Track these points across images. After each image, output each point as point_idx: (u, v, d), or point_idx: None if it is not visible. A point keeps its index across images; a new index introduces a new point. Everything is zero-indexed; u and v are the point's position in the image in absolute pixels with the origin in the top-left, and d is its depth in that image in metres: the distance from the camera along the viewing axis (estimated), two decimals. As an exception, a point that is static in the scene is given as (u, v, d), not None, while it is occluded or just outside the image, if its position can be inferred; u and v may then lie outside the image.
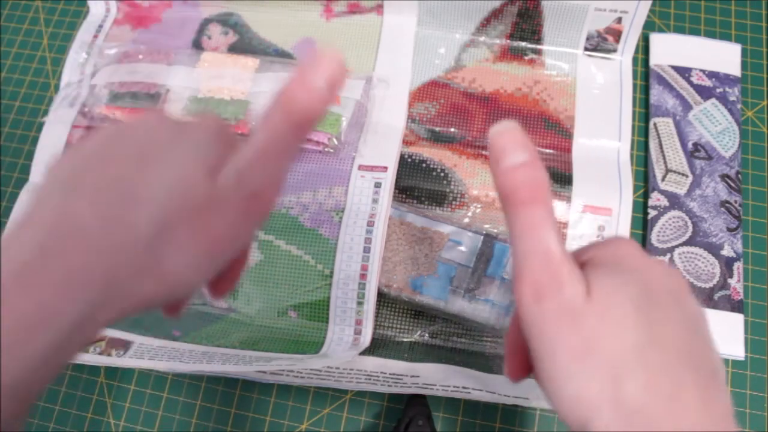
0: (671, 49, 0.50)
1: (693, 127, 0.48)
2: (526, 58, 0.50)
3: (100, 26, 0.53)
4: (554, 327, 0.20)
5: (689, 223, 0.45)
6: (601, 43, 0.49)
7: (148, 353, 0.40)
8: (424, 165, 0.46)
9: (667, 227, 0.45)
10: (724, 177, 0.46)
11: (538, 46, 0.50)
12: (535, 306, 0.20)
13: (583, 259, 0.22)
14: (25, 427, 0.21)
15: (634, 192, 0.46)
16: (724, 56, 0.50)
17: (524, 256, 0.20)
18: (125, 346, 0.41)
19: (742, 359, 0.43)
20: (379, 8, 0.51)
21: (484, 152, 0.47)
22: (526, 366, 0.23)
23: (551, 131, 0.48)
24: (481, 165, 0.46)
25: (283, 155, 0.21)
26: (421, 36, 0.51)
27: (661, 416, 0.18)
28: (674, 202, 0.46)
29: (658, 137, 0.48)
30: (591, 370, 0.19)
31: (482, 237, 0.42)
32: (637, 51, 0.50)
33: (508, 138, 0.21)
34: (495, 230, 0.44)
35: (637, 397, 0.18)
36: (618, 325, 0.19)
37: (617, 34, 0.48)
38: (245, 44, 0.51)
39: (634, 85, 0.50)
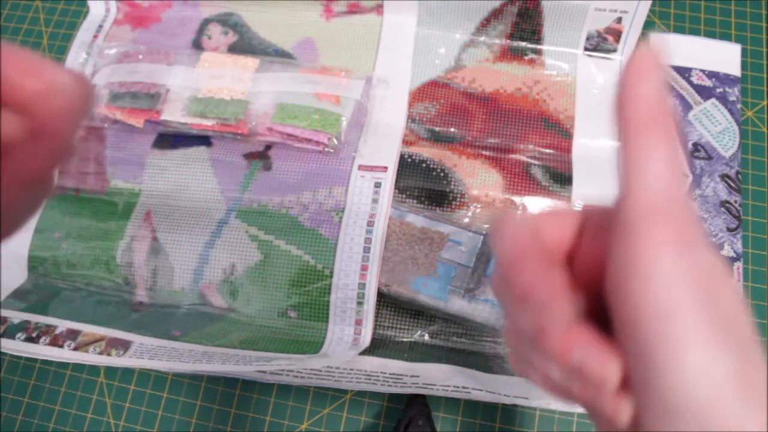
0: (671, 49, 0.50)
1: (693, 127, 0.48)
2: (526, 58, 0.50)
3: (100, 26, 0.53)
4: (694, 295, 0.16)
5: (689, 223, 0.45)
6: (601, 43, 0.49)
7: (148, 353, 0.40)
8: (424, 165, 0.46)
9: (667, 227, 0.45)
10: (724, 177, 0.46)
11: (538, 46, 0.50)
12: (669, 259, 0.15)
13: None
14: None
15: (634, 192, 0.46)
16: (724, 56, 0.50)
17: (649, 194, 0.16)
18: (125, 346, 0.41)
19: (742, 359, 0.42)
20: (379, 8, 0.51)
21: (484, 152, 0.47)
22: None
23: (551, 131, 0.48)
24: (481, 165, 0.46)
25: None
26: (421, 36, 0.51)
27: None
28: (674, 202, 0.46)
29: (658, 137, 0.48)
30: (734, 350, 0.16)
31: (482, 237, 0.42)
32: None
33: (649, 53, 0.17)
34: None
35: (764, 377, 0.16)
36: (741, 301, 0.17)
37: (617, 34, 0.48)
38: (245, 44, 0.51)
39: (634, 85, 0.50)
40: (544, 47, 0.50)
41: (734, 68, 0.50)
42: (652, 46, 0.16)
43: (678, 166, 0.16)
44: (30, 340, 0.41)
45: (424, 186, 0.46)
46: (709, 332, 0.15)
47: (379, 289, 0.42)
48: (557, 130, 0.48)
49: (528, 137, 0.48)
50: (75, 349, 0.41)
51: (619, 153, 0.17)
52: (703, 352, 0.15)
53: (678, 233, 0.16)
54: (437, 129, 0.48)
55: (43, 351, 0.40)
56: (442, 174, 0.46)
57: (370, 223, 0.43)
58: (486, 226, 0.44)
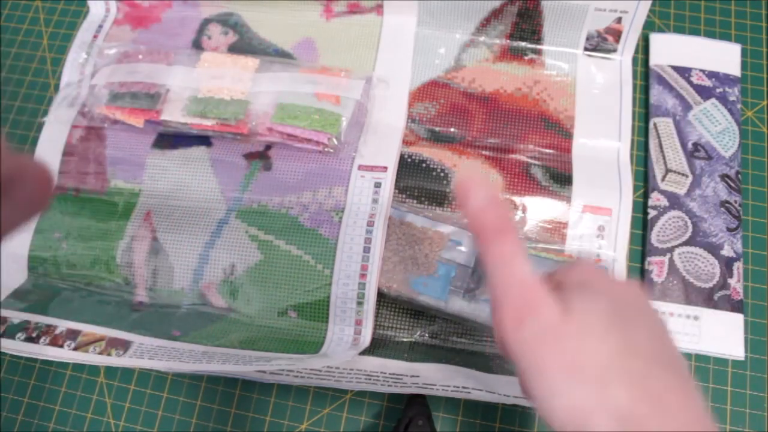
0: (671, 49, 0.50)
1: (693, 127, 0.48)
2: (526, 58, 0.50)
3: (100, 26, 0.53)
4: (538, 347, 0.21)
5: (689, 223, 0.45)
6: (601, 43, 0.49)
7: (148, 353, 0.40)
8: (424, 165, 0.46)
9: (667, 227, 0.45)
10: (724, 177, 0.46)
11: (538, 46, 0.50)
12: (517, 331, 0.22)
13: (553, 283, 0.24)
14: None
15: (634, 192, 0.46)
16: (724, 56, 0.50)
17: (500, 286, 0.22)
18: (125, 346, 0.41)
19: (742, 359, 0.43)
20: (379, 8, 0.51)
21: (484, 152, 0.47)
22: None
23: (551, 131, 0.48)
24: (481, 165, 0.46)
25: None
26: (421, 36, 0.51)
27: (650, 417, 0.20)
28: (674, 202, 0.46)
29: (658, 137, 0.48)
30: (579, 382, 0.21)
31: (482, 237, 0.42)
32: (637, 51, 0.50)
33: (469, 184, 0.23)
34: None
35: (625, 402, 0.20)
36: (596, 338, 0.21)
37: (617, 34, 0.48)
38: (245, 44, 0.51)
39: (634, 85, 0.50)
40: (544, 47, 0.50)
41: (734, 68, 0.50)
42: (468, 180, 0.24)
43: (516, 262, 0.22)
44: (30, 340, 0.41)
45: (424, 186, 0.46)
46: (556, 378, 0.21)
47: (379, 289, 0.42)
48: (557, 130, 0.48)
49: (528, 137, 0.48)
50: (75, 349, 0.41)
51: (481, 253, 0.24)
52: (553, 394, 0.21)
53: (521, 310, 0.22)
54: (437, 129, 0.48)
55: (43, 351, 0.40)
56: (442, 174, 0.46)
57: (370, 223, 0.43)
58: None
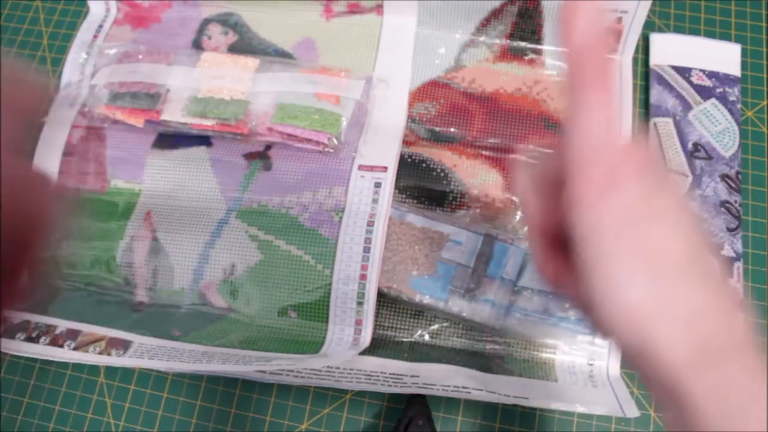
0: (671, 49, 0.50)
1: (693, 127, 0.48)
2: (526, 58, 0.50)
3: (100, 26, 0.53)
4: (619, 227, 0.19)
5: (689, 223, 0.45)
6: (601, 43, 0.49)
7: (148, 353, 0.40)
8: (424, 165, 0.46)
9: (667, 227, 0.45)
10: (724, 177, 0.46)
11: (538, 46, 0.50)
12: (599, 202, 0.19)
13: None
14: None
15: (634, 192, 0.46)
16: (724, 56, 0.50)
17: (592, 144, 0.19)
18: (125, 345, 0.41)
19: (742, 359, 0.42)
20: (379, 8, 0.51)
21: (484, 152, 0.47)
22: (560, 273, 0.23)
23: (551, 131, 0.48)
24: (481, 165, 0.46)
25: None
26: (421, 36, 0.51)
27: (719, 328, 0.18)
28: (674, 202, 0.46)
29: (658, 137, 0.48)
30: (656, 276, 0.19)
31: (482, 237, 0.42)
32: (637, 51, 0.50)
33: (582, 10, 0.19)
34: (495, 230, 0.44)
35: (696, 304, 0.18)
36: (677, 233, 0.19)
37: (617, 34, 0.48)
38: (245, 44, 0.51)
39: (634, 85, 0.50)
40: (544, 47, 0.50)
41: (734, 68, 0.50)
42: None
43: (609, 117, 0.19)
44: (30, 340, 0.41)
45: (424, 186, 0.46)
46: (633, 266, 0.19)
47: (379, 289, 0.42)
48: (557, 130, 0.48)
49: (528, 137, 0.48)
50: (75, 349, 0.41)
51: (566, 97, 0.20)
52: (625, 284, 0.19)
53: (606, 177, 0.19)
54: (437, 129, 0.48)
55: (43, 351, 0.41)
56: (442, 174, 0.46)
57: (370, 223, 0.43)
58: (486, 226, 0.44)
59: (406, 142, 0.47)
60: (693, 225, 0.20)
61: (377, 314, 0.43)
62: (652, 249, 0.19)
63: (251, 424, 0.43)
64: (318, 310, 0.42)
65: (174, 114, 0.47)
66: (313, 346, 0.41)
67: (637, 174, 0.19)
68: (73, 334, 0.42)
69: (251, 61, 0.48)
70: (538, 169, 0.24)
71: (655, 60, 0.50)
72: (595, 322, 0.20)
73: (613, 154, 0.19)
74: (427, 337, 0.43)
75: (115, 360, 0.40)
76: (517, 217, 0.45)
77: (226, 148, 0.47)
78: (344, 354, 0.40)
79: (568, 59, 0.20)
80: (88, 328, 0.42)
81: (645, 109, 0.50)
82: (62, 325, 0.42)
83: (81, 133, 0.49)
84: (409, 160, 0.46)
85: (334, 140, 0.45)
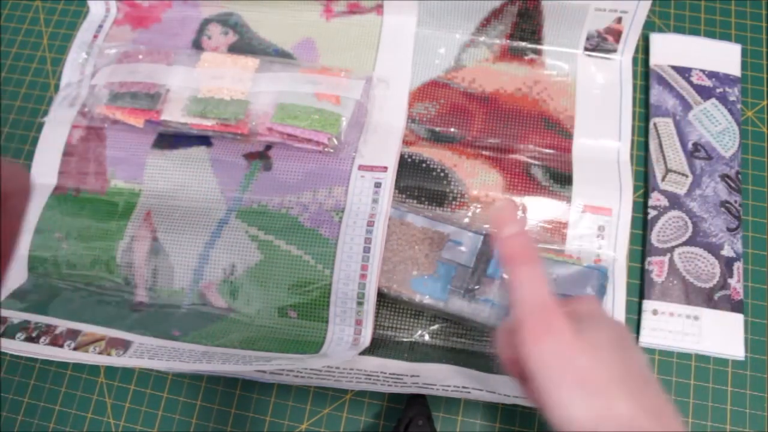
0: (671, 49, 0.50)
1: (693, 127, 0.48)
2: (526, 58, 0.50)
3: (100, 26, 0.53)
4: (555, 362, 0.25)
5: (689, 223, 0.45)
6: (601, 43, 0.49)
7: (148, 353, 0.40)
8: (424, 165, 0.46)
9: (667, 227, 0.45)
10: (724, 177, 0.46)
11: (538, 46, 0.50)
12: (537, 346, 0.25)
13: (564, 309, 0.27)
14: None
15: (634, 192, 0.46)
16: (724, 56, 0.50)
17: (526, 306, 0.26)
18: (125, 345, 0.41)
19: (742, 359, 0.43)
20: (379, 8, 0.51)
21: (484, 152, 0.47)
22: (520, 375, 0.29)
23: (551, 131, 0.48)
24: (481, 165, 0.46)
25: None
26: (421, 36, 0.51)
27: (648, 424, 0.24)
28: (674, 202, 0.46)
29: (658, 137, 0.48)
30: (590, 395, 0.24)
31: (482, 237, 0.42)
32: (637, 51, 0.50)
33: (506, 214, 0.28)
34: (495, 230, 0.44)
35: (628, 412, 0.24)
36: (603, 358, 0.25)
37: (617, 34, 0.48)
38: (245, 44, 0.51)
39: (634, 85, 0.50)
40: (544, 47, 0.50)
41: (734, 68, 0.50)
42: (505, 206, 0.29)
43: (540, 283, 0.26)
44: (30, 340, 0.41)
45: (424, 186, 0.46)
46: (570, 391, 0.24)
47: (379, 289, 0.42)
48: (557, 130, 0.48)
49: (528, 137, 0.48)
50: (75, 349, 0.41)
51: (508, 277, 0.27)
52: (566, 404, 0.24)
53: (542, 328, 0.25)
54: (437, 129, 0.48)
55: (43, 351, 0.40)
56: (442, 174, 0.46)
57: (370, 223, 0.43)
58: (486, 226, 0.44)
59: (406, 142, 0.47)
60: (626, 351, 0.26)
61: (377, 314, 0.43)
62: (585, 375, 0.24)
63: (251, 424, 0.43)
64: (318, 310, 0.42)
65: (174, 114, 0.47)
66: (313, 346, 0.41)
67: (566, 321, 0.25)
68: (73, 334, 0.42)
69: (251, 61, 0.48)
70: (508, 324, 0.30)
71: (655, 60, 0.50)
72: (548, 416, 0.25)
73: (545, 310, 0.26)
74: (427, 337, 0.43)
75: (115, 360, 0.40)
76: (518, 217, 0.45)
77: (226, 148, 0.47)
78: (344, 354, 0.40)
79: (500, 247, 0.27)
80: (88, 328, 0.42)
81: (645, 109, 0.50)
82: (62, 325, 0.42)
83: (81, 133, 0.49)
84: (409, 160, 0.46)
85: (334, 140, 0.45)
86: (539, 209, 0.45)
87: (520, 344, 0.26)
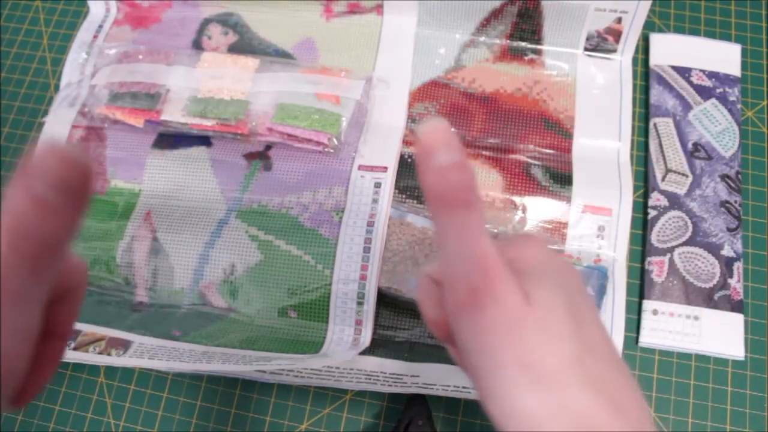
0: (671, 49, 0.50)
1: (693, 127, 0.48)
2: (526, 58, 0.50)
3: (100, 26, 0.53)
4: (497, 339, 0.19)
5: (689, 223, 0.45)
6: (601, 43, 0.49)
7: (148, 353, 0.40)
8: (424, 165, 0.46)
9: (667, 227, 0.45)
10: (724, 177, 0.46)
11: (538, 46, 0.50)
12: (474, 317, 0.19)
13: (506, 260, 0.21)
14: None
15: (634, 192, 0.46)
16: (724, 56, 0.50)
17: (460, 263, 0.19)
18: (125, 345, 0.41)
19: (742, 359, 0.43)
20: (379, 8, 0.51)
21: (484, 152, 0.47)
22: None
23: (551, 131, 0.48)
24: (481, 165, 0.46)
25: None
26: (421, 36, 0.51)
27: (609, 422, 0.18)
28: (674, 202, 0.46)
29: (658, 137, 0.48)
30: (537, 384, 0.19)
31: (482, 237, 0.42)
32: (637, 51, 0.50)
33: (439, 136, 0.19)
34: (495, 230, 0.44)
35: (585, 407, 0.18)
36: (557, 336, 0.19)
37: (617, 34, 0.48)
38: (245, 44, 0.51)
39: (634, 85, 0.50)
40: (544, 47, 0.50)
41: (734, 68, 0.50)
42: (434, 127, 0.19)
43: (477, 238, 0.19)
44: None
45: (424, 186, 0.46)
46: (513, 377, 0.19)
47: (379, 289, 0.42)
48: (557, 130, 0.48)
49: (528, 137, 0.48)
50: (75, 348, 0.41)
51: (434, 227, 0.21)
52: (507, 393, 0.19)
53: (480, 295, 0.19)
54: (437, 129, 0.48)
55: (43, 351, 0.40)
56: (442, 174, 0.46)
57: (370, 223, 0.43)
58: (486, 226, 0.44)
59: (406, 142, 0.47)
60: (584, 321, 0.20)
61: (377, 314, 0.43)
62: (534, 357, 0.19)
63: (251, 424, 0.43)
64: (318, 310, 0.42)
65: (174, 114, 0.47)
66: (313, 346, 0.41)
67: (512, 284, 0.19)
68: (73, 334, 0.42)
69: (251, 61, 0.48)
70: (431, 271, 0.23)
71: (655, 60, 0.50)
72: (482, 396, 0.20)
73: (485, 271, 0.19)
74: (427, 337, 0.43)
75: (115, 360, 0.40)
76: (517, 217, 0.45)
77: (226, 148, 0.47)
78: (344, 354, 0.40)
79: (427, 180, 0.19)
80: (88, 328, 0.42)
81: (645, 109, 0.50)
82: (62, 325, 0.42)
83: (81, 133, 0.49)
84: (409, 160, 0.46)
85: (334, 140, 0.45)
86: (539, 209, 0.45)
87: (452, 311, 0.20)
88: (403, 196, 0.46)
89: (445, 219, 0.19)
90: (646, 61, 0.51)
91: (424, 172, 0.19)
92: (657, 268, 0.44)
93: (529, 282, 0.20)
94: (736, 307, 0.43)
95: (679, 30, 0.52)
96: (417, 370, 0.41)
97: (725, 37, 0.52)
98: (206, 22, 0.53)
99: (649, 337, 0.43)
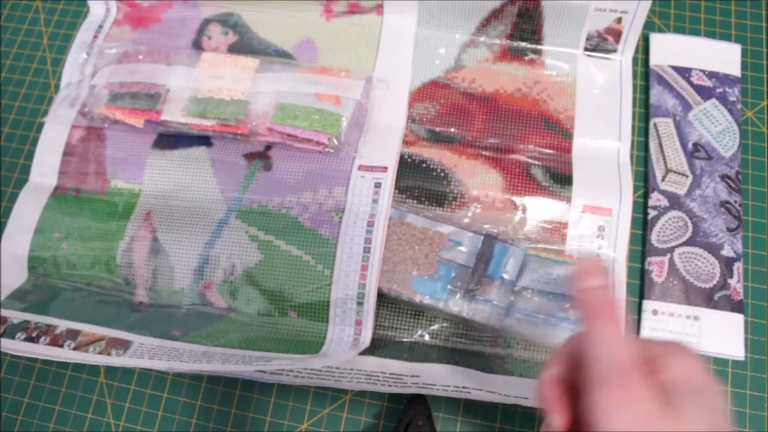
0: (671, 49, 0.50)
1: (693, 127, 0.48)
2: (526, 58, 0.50)
3: (100, 26, 0.53)
4: None
5: (689, 224, 0.45)
6: (601, 43, 0.49)
7: (148, 353, 0.40)
8: (424, 165, 0.46)
9: (667, 227, 0.45)
10: (724, 177, 0.46)
11: (538, 47, 0.50)
12: (615, 413, 0.22)
13: (649, 362, 0.24)
14: None
15: (634, 192, 0.46)
16: (724, 56, 0.50)
17: (603, 368, 0.23)
18: (125, 345, 0.41)
19: (742, 359, 0.43)
20: (379, 8, 0.51)
21: (484, 152, 0.47)
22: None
23: (551, 131, 0.48)
24: (481, 165, 0.46)
25: None
26: (421, 36, 0.51)
27: None
28: (674, 202, 0.46)
29: (658, 137, 0.48)
30: None
31: (482, 237, 0.42)
32: (637, 51, 0.50)
33: (590, 266, 0.26)
34: (495, 230, 0.44)
35: None
36: None
37: (617, 34, 0.48)
38: (245, 44, 0.51)
39: (634, 85, 0.50)
40: (544, 47, 0.50)
41: (734, 68, 0.50)
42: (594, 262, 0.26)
43: (620, 347, 0.24)
44: (30, 340, 0.41)
45: (424, 186, 0.46)
46: None
47: (379, 289, 0.42)
48: (557, 131, 0.48)
49: (528, 137, 0.48)
50: (75, 348, 0.41)
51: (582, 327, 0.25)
52: None
53: (622, 395, 0.22)
54: (437, 129, 0.48)
55: (43, 351, 0.40)
56: (442, 174, 0.46)
57: (370, 224, 0.43)
58: (486, 226, 0.44)
59: (406, 142, 0.47)
60: None
61: (377, 314, 0.43)
62: None
63: (251, 424, 0.43)
64: (318, 310, 0.42)
65: (174, 114, 0.47)
66: (313, 346, 0.41)
67: (650, 390, 0.22)
68: (73, 334, 0.42)
69: (251, 62, 0.48)
70: (557, 368, 0.27)
71: (655, 60, 0.50)
72: None
73: (625, 374, 0.23)
74: (427, 337, 0.43)
75: (115, 360, 0.40)
76: (517, 217, 0.45)
77: (226, 148, 0.47)
78: (344, 354, 0.40)
79: (580, 298, 0.25)
80: (88, 328, 0.42)
81: (645, 109, 0.50)
82: (62, 325, 0.42)
83: (81, 133, 0.49)
84: (409, 160, 0.46)
85: (334, 140, 0.45)
86: (539, 209, 0.45)
87: (592, 407, 0.23)
88: (403, 196, 0.46)
89: (594, 327, 0.25)
90: (646, 61, 0.51)
91: (580, 289, 0.26)
92: (657, 269, 0.44)
93: (678, 397, 0.23)
94: (736, 307, 0.43)
95: (679, 30, 0.52)
96: (417, 370, 0.41)
97: (725, 37, 0.52)
98: (206, 22, 0.53)
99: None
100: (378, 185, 0.44)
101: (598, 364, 0.24)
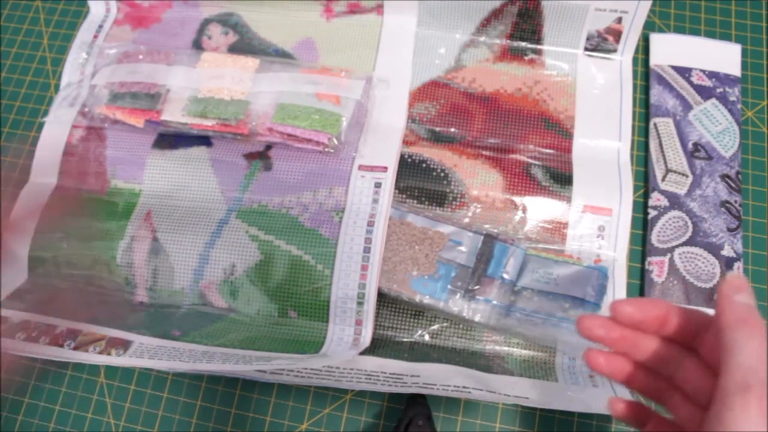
0: (671, 49, 0.50)
1: (693, 127, 0.48)
2: (526, 58, 0.50)
3: (100, 26, 0.53)
4: None
5: (689, 223, 0.45)
6: (601, 43, 0.49)
7: (148, 353, 0.40)
8: (424, 165, 0.46)
9: (667, 227, 0.45)
10: (724, 177, 0.46)
11: (538, 46, 0.50)
12: (746, 423, 0.22)
13: None
14: None
15: (635, 192, 0.46)
16: (724, 56, 0.50)
17: (751, 372, 0.23)
18: (125, 345, 0.41)
19: (743, 359, 0.42)
20: (379, 8, 0.51)
21: (484, 152, 0.47)
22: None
23: (551, 131, 0.48)
24: (481, 165, 0.46)
25: None
26: (421, 36, 0.51)
27: None
28: (674, 202, 0.46)
29: (658, 137, 0.48)
30: None
31: (482, 237, 0.42)
32: (637, 51, 0.50)
33: (742, 282, 0.26)
34: (495, 230, 0.44)
35: None
36: None
37: (617, 34, 0.48)
38: (245, 44, 0.51)
39: (634, 85, 0.50)
40: (544, 47, 0.50)
41: (734, 68, 0.50)
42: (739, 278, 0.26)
43: (763, 356, 0.23)
44: (30, 340, 0.41)
45: (424, 186, 0.46)
46: None
47: (379, 289, 0.42)
48: (557, 130, 0.48)
49: (528, 137, 0.48)
50: (75, 348, 0.41)
51: (720, 338, 0.25)
52: None
53: (758, 399, 0.22)
54: (437, 129, 0.48)
55: (43, 351, 0.40)
56: (442, 174, 0.46)
57: (370, 223, 0.43)
58: (486, 226, 0.44)
59: (406, 142, 0.47)
60: None
61: (377, 314, 0.43)
62: None
63: (251, 424, 0.43)
64: (318, 310, 0.42)
65: (174, 114, 0.47)
66: (313, 346, 0.41)
67: None
68: (73, 333, 0.42)
69: (251, 61, 0.48)
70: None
71: (655, 60, 0.50)
72: None
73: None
74: (427, 337, 0.43)
75: (115, 360, 0.40)
76: (518, 217, 0.45)
77: (226, 148, 0.48)
78: (344, 354, 0.40)
79: (728, 307, 0.25)
80: (88, 328, 0.42)
81: (645, 109, 0.50)
82: (62, 324, 0.42)
83: (81, 133, 0.49)
84: (409, 160, 0.46)
85: (335, 140, 0.45)
86: (539, 209, 0.45)
87: (722, 412, 0.23)
88: (403, 196, 0.46)
89: (741, 335, 0.24)
90: (646, 61, 0.51)
91: (727, 303, 0.26)
92: (657, 268, 0.44)
93: None
94: (737, 307, 0.43)
95: (679, 30, 0.52)
96: (417, 370, 0.41)
97: (725, 37, 0.52)
98: (206, 22, 0.53)
99: (649, 337, 0.43)
100: (378, 185, 0.44)
101: (748, 370, 0.23)
